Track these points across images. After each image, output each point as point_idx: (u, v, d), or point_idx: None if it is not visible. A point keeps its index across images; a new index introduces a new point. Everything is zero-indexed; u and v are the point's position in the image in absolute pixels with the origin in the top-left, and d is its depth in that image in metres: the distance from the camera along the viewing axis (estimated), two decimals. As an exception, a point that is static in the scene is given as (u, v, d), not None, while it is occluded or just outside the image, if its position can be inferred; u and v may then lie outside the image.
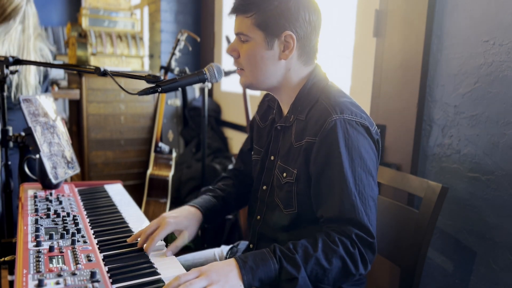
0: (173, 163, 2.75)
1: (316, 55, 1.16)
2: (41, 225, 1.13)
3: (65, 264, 0.92)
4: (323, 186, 1.04)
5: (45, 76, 2.25)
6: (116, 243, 1.10)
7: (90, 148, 3.25)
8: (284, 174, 1.12)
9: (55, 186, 1.47)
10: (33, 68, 2.13)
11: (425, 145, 1.60)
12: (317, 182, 1.05)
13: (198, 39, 2.66)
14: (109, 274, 0.91)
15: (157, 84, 1.16)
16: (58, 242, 1.03)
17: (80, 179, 3.30)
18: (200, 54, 3.81)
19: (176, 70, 2.61)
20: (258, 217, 1.23)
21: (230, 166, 1.45)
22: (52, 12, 6.02)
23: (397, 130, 1.68)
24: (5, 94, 1.50)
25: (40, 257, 0.94)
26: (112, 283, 0.89)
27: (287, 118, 1.15)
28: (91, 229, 1.17)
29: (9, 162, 1.52)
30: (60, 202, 1.34)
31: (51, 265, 0.91)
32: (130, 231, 1.21)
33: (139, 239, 1.10)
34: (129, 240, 1.10)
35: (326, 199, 1.03)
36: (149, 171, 2.69)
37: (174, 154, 2.78)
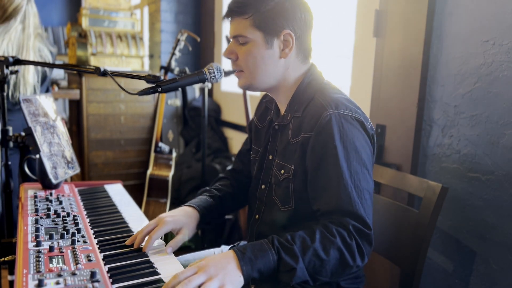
0: (173, 163, 2.75)
1: (311, 54, 1.18)
2: (41, 225, 1.13)
3: (65, 264, 0.92)
4: (319, 179, 1.05)
5: (44, 77, 2.25)
6: (116, 243, 1.10)
7: (90, 148, 3.25)
8: (282, 171, 1.13)
9: (55, 186, 1.47)
10: (32, 67, 2.13)
11: (425, 145, 1.60)
12: (313, 176, 1.06)
13: (198, 39, 2.66)
14: (109, 274, 0.91)
15: (157, 84, 1.16)
16: (58, 242, 1.03)
17: (80, 179, 3.30)
18: (200, 54, 3.81)
19: (176, 70, 2.61)
20: (257, 216, 1.24)
21: (229, 167, 1.45)
22: (52, 12, 6.02)
23: (397, 130, 1.68)
24: (5, 94, 1.50)
25: (40, 257, 0.94)
26: (112, 283, 0.89)
27: (284, 117, 1.16)
28: (91, 229, 1.17)
29: (9, 162, 1.52)
30: (60, 202, 1.34)
31: (51, 265, 0.91)
32: (130, 231, 1.21)
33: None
34: (128, 242, 1.10)
35: (323, 192, 1.04)
36: (149, 171, 2.69)
37: (174, 154, 2.78)
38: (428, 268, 1.59)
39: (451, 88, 1.49)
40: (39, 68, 2.20)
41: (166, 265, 1.01)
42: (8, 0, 2.06)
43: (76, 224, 1.16)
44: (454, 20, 1.47)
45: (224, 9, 3.54)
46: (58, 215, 1.22)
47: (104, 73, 1.25)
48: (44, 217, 1.19)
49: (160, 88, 1.15)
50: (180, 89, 2.42)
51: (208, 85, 2.57)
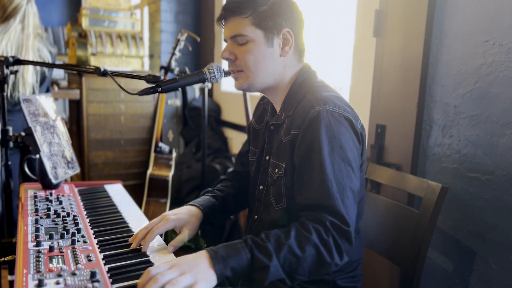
0: (173, 163, 2.75)
1: (304, 53, 1.19)
2: (41, 225, 1.13)
3: (65, 264, 0.92)
4: (303, 174, 1.05)
5: (43, 77, 2.25)
6: (116, 243, 1.10)
7: (90, 148, 3.25)
8: (276, 170, 1.14)
9: (55, 186, 1.47)
10: (31, 67, 2.13)
11: (425, 145, 1.60)
12: (298, 171, 1.06)
13: (198, 39, 2.66)
14: (109, 274, 0.91)
15: (157, 84, 1.15)
16: (58, 242, 1.03)
17: (80, 179, 3.30)
18: (200, 54, 3.81)
19: (176, 70, 2.61)
20: (255, 216, 1.24)
21: (230, 169, 1.45)
22: (52, 12, 6.02)
23: (397, 130, 1.68)
24: (5, 94, 1.50)
25: (40, 257, 0.94)
26: (112, 283, 0.89)
27: (279, 116, 1.17)
28: (91, 229, 1.17)
29: (9, 162, 1.52)
30: (60, 202, 1.34)
31: (51, 265, 0.91)
32: (130, 231, 1.21)
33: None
34: (131, 240, 1.10)
35: (304, 187, 1.04)
36: (149, 171, 2.69)
37: (174, 154, 2.78)
38: (428, 268, 1.59)
39: (451, 88, 1.49)
40: (38, 68, 2.20)
41: (166, 265, 1.01)
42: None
43: (76, 224, 1.16)
44: (454, 20, 1.47)
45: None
46: (58, 215, 1.22)
47: (104, 73, 1.25)
48: (44, 217, 1.19)
49: (160, 88, 1.15)
50: (180, 89, 2.42)
51: (208, 85, 2.57)
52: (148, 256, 1.04)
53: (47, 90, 2.36)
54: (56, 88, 3.29)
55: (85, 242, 1.05)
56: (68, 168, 1.52)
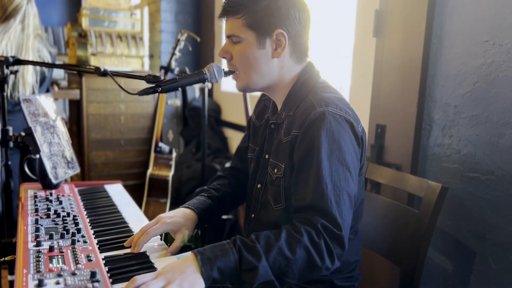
0: (173, 163, 2.75)
1: (307, 53, 1.18)
2: (41, 225, 1.13)
3: (65, 264, 0.92)
4: (300, 175, 1.04)
5: (43, 77, 2.25)
6: (116, 243, 1.10)
7: (90, 148, 3.25)
8: (275, 170, 1.13)
9: (55, 186, 1.47)
10: (31, 67, 2.14)
11: (425, 145, 1.60)
12: (296, 172, 1.05)
13: (198, 39, 2.66)
14: (109, 274, 0.91)
15: (157, 84, 1.16)
16: (58, 242, 1.03)
17: (80, 179, 3.30)
18: (200, 54, 3.81)
19: (176, 70, 2.61)
20: (253, 215, 1.24)
21: (227, 164, 1.45)
22: (52, 12, 6.02)
23: (397, 130, 1.68)
24: (5, 94, 1.50)
25: (40, 257, 0.94)
26: (112, 283, 0.89)
27: (279, 115, 1.17)
28: (91, 229, 1.17)
29: (9, 162, 1.52)
30: (60, 202, 1.34)
31: (51, 265, 0.91)
32: (130, 231, 1.21)
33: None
34: (126, 243, 1.09)
35: (300, 188, 1.03)
36: (149, 171, 2.69)
37: (174, 154, 2.78)
38: (428, 268, 1.59)
39: (451, 88, 1.49)
40: (38, 68, 2.20)
41: (166, 265, 1.01)
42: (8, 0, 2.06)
43: (76, 224, 1.16)
44: (454, 20, 1.47)
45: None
46: (58, 215, 1.22)
47: (104, 73, 1.25)
48: (44, 217, 1.19)
49: (160, 88, 1.15)
50: (180, 89, 2.42)
51: (208, 85, 2.57)
52: (148, 257, 1.04)
53: (47, 90, 2.36)
54: (56, 88, 3.29)
55: (85, 242, 1.05)
56: (68, 168, 1.52)
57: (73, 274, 0.88)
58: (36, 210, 1.25)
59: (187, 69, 2.59)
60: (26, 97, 1.44)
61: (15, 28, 2.08)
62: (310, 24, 1.15)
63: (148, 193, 2.67)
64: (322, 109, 1.03)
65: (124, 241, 1.11)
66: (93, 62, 3.32)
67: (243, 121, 3.03)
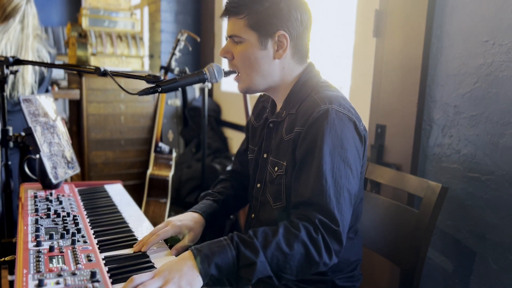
0: (173, 163, 2.75)
1: (308, 54, 1.18)
2: (41, 225, 1.13)
3: (65, 264, 0.92)
4: (301, 171, 1.04)
5: (42, 78, 2.25)
6: (116, 243, 1.10)
7: (90, 148, 3.25)
8: (276, 168, 1.14)
9: (55, 186, 1.47)
10: (30, 66, 2.14)
11: (425, 145, 1.60)
12: (298, 167, 1.06)
13: (198, 39, 2.66)
14: (109, 274, 0.91)
15: (157, 84, 1.16)
16: (58, 242, 1.03)
17: (80, 179, 3.30)
18: (200, 54, 3.81)
19: (176, 70, 2.61)
20: (253, 215, 1.24)
21: (228, 168, 1.45)
22: (52, 12, 6.02)
23: (397, 130, 1.68)
24: (5, 94, 1.50)
25: (40, 257, 0.94)
26: (112, 283, 0.88)
27: (279, 114, 1.17)
28: (91, 229, 1.17)
29: (9, 162, 1.52)
30: (60, 202, 1.34)
31: (51, 265, 0.91)
32: (130, 231, 1.21)
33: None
34: (135, 246, 1.08)
35: (301, 183, 1.03)
36: (149, 171, 2.69)
37: (174, 154, 2.78)
38: (428, 268, 1.59)
39: (451, 88, 1.49)
40: (37, 68, 2.20)
41: (166, 265, 1.01)
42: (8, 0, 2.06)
43: (76, 224, 1.16)
44: (454, 20, 1.47)
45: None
46: (58, 215, 1.22)
47: (104, 73, 1.25)
48: (44, 217, 1.19)
49: (160, 88, 1.15)
50: (180, 89, 2.42)
51: (208, 85, 2.57)
52: (148, 256, 1.04)
53: (46, 91, 2.36)
54: (56, 88, 3.29)
55: (85, 242, 1.05)
56: (68, 168, 1.52)
57: (73, 274, 0.88)
58: (36, 210, 1.25)
59: (187, 69, 2.59)
60: (26, 97, 1.44)
61: (14, 28, 2.08)
62: (311, 25, 1.15)
63: (148, 193, 2.67)
64: (326, 106, 1.03)
65: (124, 241, 1.11)
66: (93, 62, 3.32)
67: (243, 121, 3.03)
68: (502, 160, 1.32)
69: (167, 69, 2.62)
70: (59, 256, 0.96)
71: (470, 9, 1.41)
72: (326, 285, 1.15)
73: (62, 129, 1.59)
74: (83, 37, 3.38)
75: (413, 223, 1.28)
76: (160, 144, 2.76)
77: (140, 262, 1.00)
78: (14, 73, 1.54)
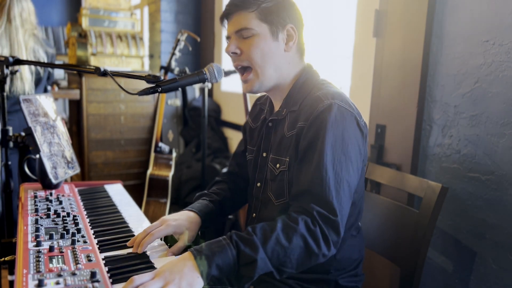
0: (173, 163, 2.75)
1: (305, 53, 1.20)
2: (41, 225, 1.13)
3: (65, 264, 0.92)
4: (303, 163, 1.05)
5: (38, 79, 2.25)
6: (116, 243, 1.10)
7: (90, 148, 3.25)
8: (278, 165, 1.14)
9: (55, 186, 1.47)
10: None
11: (425, 145, 1.60)
12: (300, 160, 1.07)
13: (198, 39, 2.66)
14: (109, 274, 0.91)
15: (157, 84, 1.16)
16: (58, 242, 1.03)
17: (80, 179, 3.30)
18: (200, 54, 3.81)
19: (176, 70, 2.61)
20: (254, 214, 1.24)
21: (224, 170, 1.45)
22: (52, 12, 6.02)
23: (397, 130, 1.68)
24: (5, 94, 1.50)
25: (40, 257, 0.94)
26: (112, 283, 0.88)
27: (279, 113, 1.18)
28: (91, 229, 1.17)
29: (9, 162, 1.52)
30: (60, 202, 1.34)
31: (51, 265, 0.91)
32: (130, 231, 1.21)
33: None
34: (129, 243, 1.09)
35: (301, 174, 1.04)
36: (149, 171, 2.69)
37: (174, 154, 2.78)
38: (428, 268, 1.59)
39: (451, 88, 1.49)
40: (33, 69, 2.20)
41: (166, 265, 1.01)
42: None
43: (76, 224, 1.16)
44: (454, 20, 1.47)
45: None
46: (58, 215, 1.22)
47: (104, 73, 1.25)
48: (44, 217, 1.19)
49: (160, 88, 1.15)
50: (180, 89, 2.42)
51: (208, 85, 2.57)
52: (148, 257, 1.04)
53: (45, 91, 2.36)
54: (56, 88, 3.29)
55: (85, 242, 1.05)
56: (68, 168, 1.52)
57: (73, 274, 0.88)
58: (36, 210, 1.25)
59: (187, 69, 2.59)
60: (26, 97, 1.44)
61: (1, 22, 2.09)
62: (304, 26, 1.20)
63: (148, 193, 2.67)
64: (329, 101, 1.05)
65: (124, 241, 1.11)
66: (93, 62, 3.32)
67: (243, 121, 3.03)
68: (502, 160, 1.32)
69: (167, 69, 2.62)
70: (59, 256, 0.96)
71: (470, 9, 1.41)
72: (329, 285, 1.15)
73: (62, 129, 1.59)
74: (83, 37, 3.38)
75: (413, 223, 1.28)
76: (160, 144, 2.76)
77: (140, 262, 1.00)
78: (14, 73, 1.54)
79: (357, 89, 2.03)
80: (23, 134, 1.45)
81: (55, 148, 1.48)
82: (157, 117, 2.95)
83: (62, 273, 0.88)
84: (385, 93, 1.73)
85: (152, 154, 2.75)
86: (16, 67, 1.63)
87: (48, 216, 1.20)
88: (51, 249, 0.98)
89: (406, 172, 1.58)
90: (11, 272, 1.36)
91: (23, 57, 2.14)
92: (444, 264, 1.53)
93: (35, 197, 1.37)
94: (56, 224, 1.15)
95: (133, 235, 1.16)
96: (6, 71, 1.45)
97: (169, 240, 1.14)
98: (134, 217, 1.33)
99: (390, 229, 1.38)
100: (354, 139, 1.06)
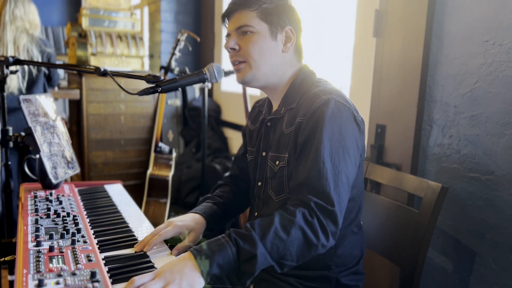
0: (173, 163, 2.75)
1: (302, 55, 1.23)
2: (41, 225, 1.13)
3: (65, 264, 0.92)
4: (301, 156, 1.06)
5: (31, 81, 2.23)
6: (116, 243, 1.10)
7: (90, 148, 3.25)
8: (277, 162, 1.15)
9: (55, 186, 1.47)
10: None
11: (425, 145, 1.60)
12: (298, 153, 1.08)
13: (198, 39, 2.66)
14: (109, 274, 0.91)
15: (157, 84, 1.16)
16: (58, 242, 1.03)
17: (80, 179, 3.30)
18: (200, 54, 3.81)
19: (176, 70, 2.61)
20: (256, 214, 1.25)
21: (227, 173, 1.46)
22: (52, 12, 6.02)
23: (397, 130, 1.68)
24: (5, 94, 1.50)
25: (40, 257, 0.94)
26: (112, 283, 0.88)
27: (278, 111, 1.19)
28: (91, 229, 1.17)
29: (9, 162, 1.52)
30: (60, 202, 1.34)
31: (51, 265, 0.91)
32: (130, 231, 1.21)
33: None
34: (137, 246, 1.08)
35: (300, 166, 1.05)
36: (149, 171, 2.69)
37: (174, 154, 2.78)
38: (428, 268, 1.59)
39: (451, 88, 1.49)
40: (26, 69, 2.19)
41: (166, 265, 1.01)
42: None
43: (76, 224, 1.16)
44: (454, 20, 1.47)
45: (225, 9, 3.52)
46: (58, 215, 1.22)
47: (104, 73, 1.25)
48: (44, 217, 1.19)
49: (160, 88, 1.15)
50: (180, 89, 2.42)
51: (208, 85, 2.57)
52: (148, 257, 1.04)
53: (45, 91, 2.36)
54: (56, 88, 3.29)
55: (85, 242, 1.05)
56: (68, 168, 1.52)
57: (73, 274, 0.88)
58: (36, 210, 1.25)
59: (187, 69, 2.59)
60: (26, 97, 1.44)
61: None
62: (302, 30, 1.22)
63: (148, 193, 2.67)
64: (327, 96, 1.07)
65: (124, 241, 1.11)
66: (93, 62, 3.32)
67: (243, 121, 3.03)
68: (502, 160, 1.32)
69: (167, 69, 2.62)
70: (59, 256, 0.96)
71: (470, 9, 1.41)
72: (330, 283, 1.16)
73: (62, 129, 1.59)
74: (83, 37, 3.38)
75: (413, 223, 1.28)
76: (160, 144, 2.76)
77: (140, 262, 1.00)
78: (14, 73, 1.54)
79: (357, 89, 2.03)
80: (23, 134, 1.44)
81: (55, 148, 1.48)
82: (157, 117, 2.95)
83: (62, 273, 0.88)
84: (385, 93, 1.73)
85: (152, 154, 2.75)
86: (16, 67, 1.63)
87: (48, 216, 1.20)
88: (51, 249, 0.98)
89: (406, 172, 1.58)
90: (11, 272, 1.37)
91: (12, 54, 2.13)
92: (444, 264, 1.53)
93: (35, 197, 1.37)
94: (56, 224, 1.15)
95: (133, 235, 1.17)
96: (6, 71, 1.45)
97: (170, 241, 1.14)
98: (134, 217, 1.33)
99: (390, 229, 1.38)
100: (351, 133, 1.07)
